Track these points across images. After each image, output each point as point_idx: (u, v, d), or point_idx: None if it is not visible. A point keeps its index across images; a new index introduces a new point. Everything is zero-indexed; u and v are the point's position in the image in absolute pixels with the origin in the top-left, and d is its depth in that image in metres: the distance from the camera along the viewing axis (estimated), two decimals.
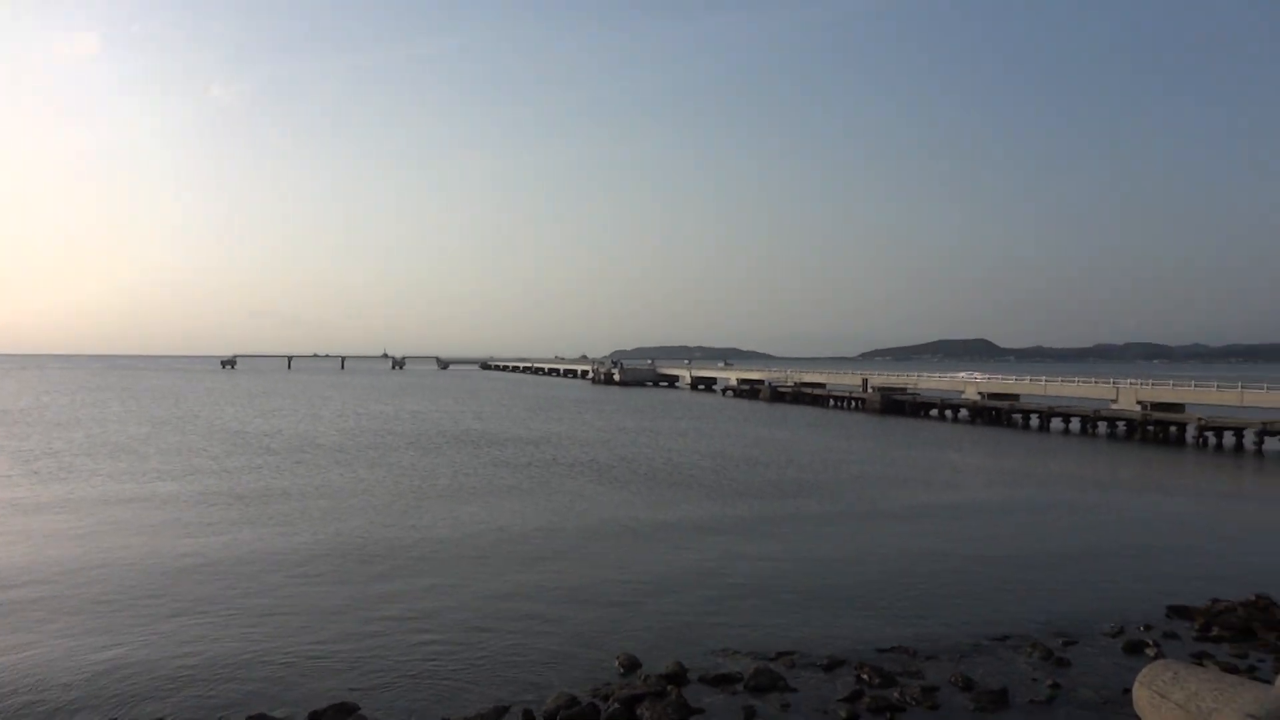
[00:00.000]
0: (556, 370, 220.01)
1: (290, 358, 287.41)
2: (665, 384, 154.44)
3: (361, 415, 74.90)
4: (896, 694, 13.44)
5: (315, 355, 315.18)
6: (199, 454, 44.96)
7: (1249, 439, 53.96)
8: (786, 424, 70.42)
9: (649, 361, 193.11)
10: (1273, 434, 52.55)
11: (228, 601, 18.34)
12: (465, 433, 58.92)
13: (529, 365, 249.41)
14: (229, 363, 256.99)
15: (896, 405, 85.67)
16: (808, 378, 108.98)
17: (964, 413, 77.65)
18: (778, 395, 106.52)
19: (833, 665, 14.70)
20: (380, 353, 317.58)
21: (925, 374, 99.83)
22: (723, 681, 13.96)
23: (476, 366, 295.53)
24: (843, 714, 12.76)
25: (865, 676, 14.11)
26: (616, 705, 12.91)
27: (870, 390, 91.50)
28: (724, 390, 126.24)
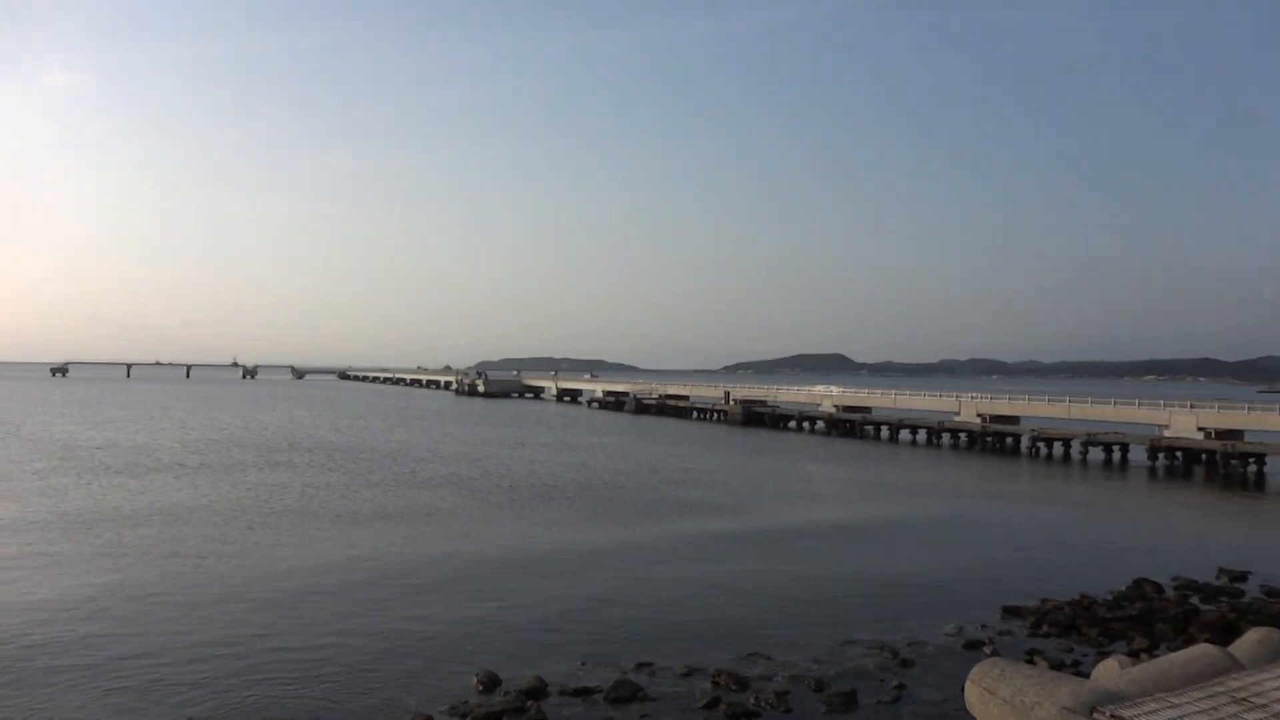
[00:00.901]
0: (419, 381, 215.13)
1: (130, 365, 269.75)
2: (531, 395, 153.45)
3: (207, 427, 71.05)
4: (752, 699, 13.74)
5: (158, 363, 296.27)
6: (20, 471, 41.55)
7: (1075, 449, 58.23)
8: (650, 436, 71.16)
9: (515, 373, 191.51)
10: (1095, 444, 56.85)
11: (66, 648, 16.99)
12: (320, 445, 56.77)
13: (390, 376, 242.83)
14: (60, 370, 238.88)
15: (757, 417, 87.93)
16: (672, 390, 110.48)
17: (820, 424, 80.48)
18: (642, 407, 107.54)
19: (691, 673, 14.90)
20: (230, 361, 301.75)
21: (784, 387, 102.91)
22: (582, 694, 13.92)
23: (334, 377, 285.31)
24: None
25: (722, 683, 14.35)
26: None
27: (732, 403, 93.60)
28: (589, 402, 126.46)
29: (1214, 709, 4.45)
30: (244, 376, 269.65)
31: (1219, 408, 56.62)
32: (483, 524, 29.22)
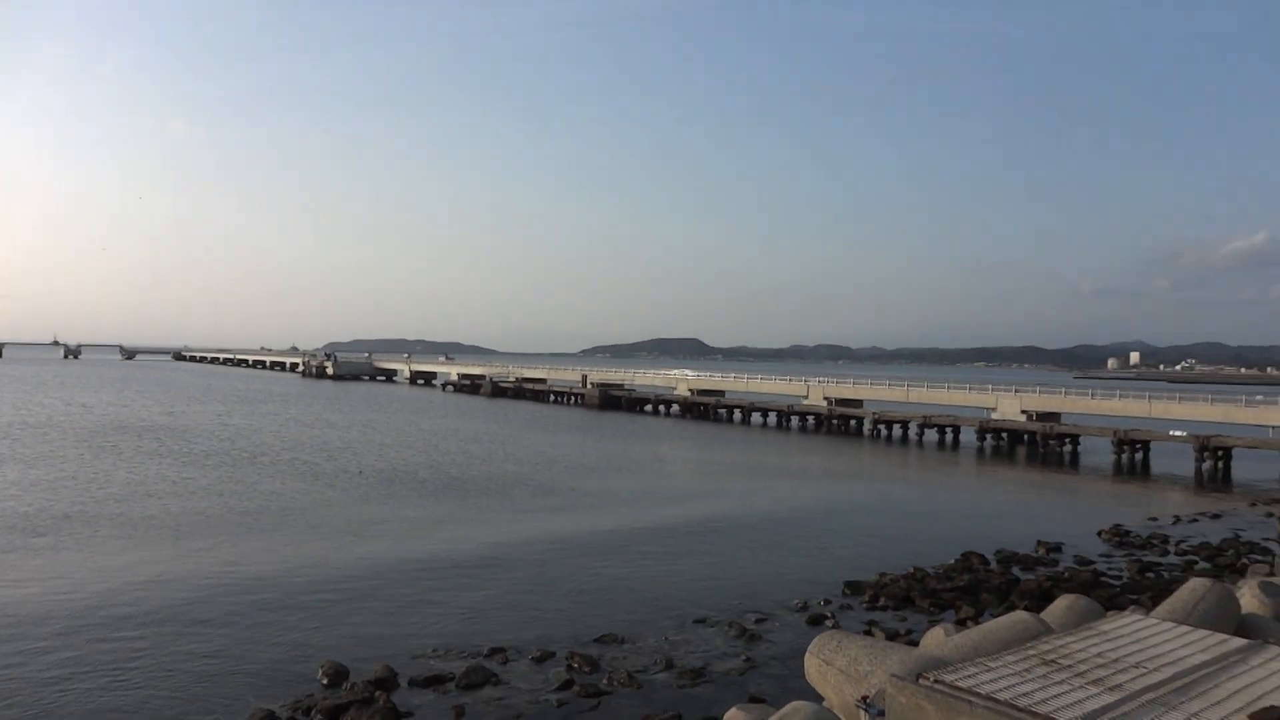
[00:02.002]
0: (263, 363, 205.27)
1: None
2: (383, 378, 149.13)
3: (21, 409, 65.48)
4: (605, 680, 13.89)
5: None
6: None
7: (913, 430, 61.64)
8: (506, 419, 70.55)
9: (366, 355, 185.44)
10: (931, 426, 60.32)
11: None
12: (150, 428, 53.35)
13: (230, 357, 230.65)
14: None
15: (614, 400, 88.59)
16: (529, 373, 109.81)
17: (675, 408, 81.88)
18: (499, 390, 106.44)
19: (544, 657, 14.91)
20: (50, 339, 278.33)
21: (641, 371, 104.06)
22: (434, 682, 13.71)
23: (169, 357, 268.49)
24: (554, 704, 12.99)
25: (576, 665, 14.44)
26: (319, 717, 12.28)
27: (590, 386, 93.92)
28: (445, 385, 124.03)
29: (1027, 670, 4.80)
30: (66, 356, 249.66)
31: (1040, 392, 61.12)
32: (328, 510, 28.24)
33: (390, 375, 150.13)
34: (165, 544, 22.97)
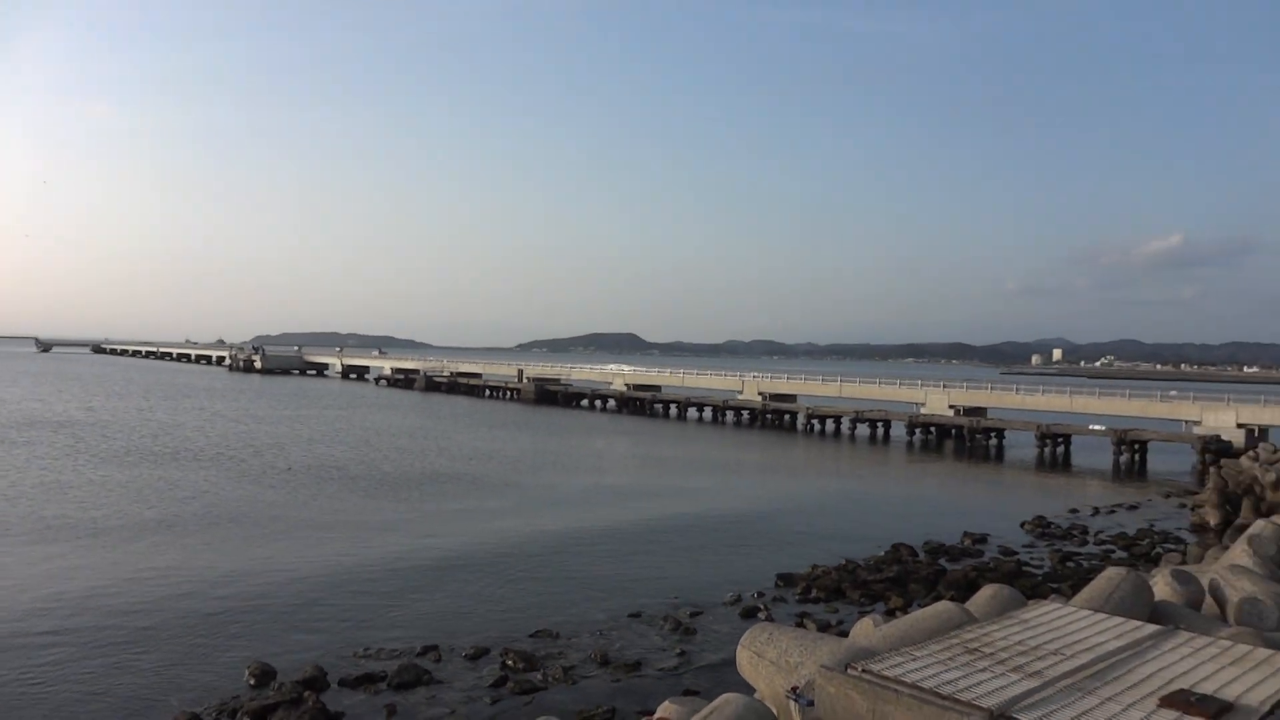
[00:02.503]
0: (187, 356, 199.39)
1: None
2: (313, 372, 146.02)
3: None
4: (540, 675, 13.84)
5: None
6: None
7: (845, 425, 62.66)
8: (441, 414, 69.76)
9: (296, 348, 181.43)
10: (863, 421, 61.40)
11: None
12: (66, 424, 51.41)
13: (154, 350, 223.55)
14: None
15: (550, 395, 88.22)
16: (464, 368, 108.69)
17: (612, 403, 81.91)
18: (433, 385, 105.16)
19: (478, 654, 14.79)
20: None
21: (578, 366, 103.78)
22: (365, 682, 13.49)
23: (88, 350, 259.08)
24: (488, 701, 12.90)
25: (510, 662, 14.36)
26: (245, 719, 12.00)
27: (525, 381, 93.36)
28: (377, 380, 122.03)
29: (951, 658, 4.92)
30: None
31: (967, 388, 62.69)
32: (255, 508, 27.58)
33: (321, 369, 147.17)
34: (82, 545, 22.19)
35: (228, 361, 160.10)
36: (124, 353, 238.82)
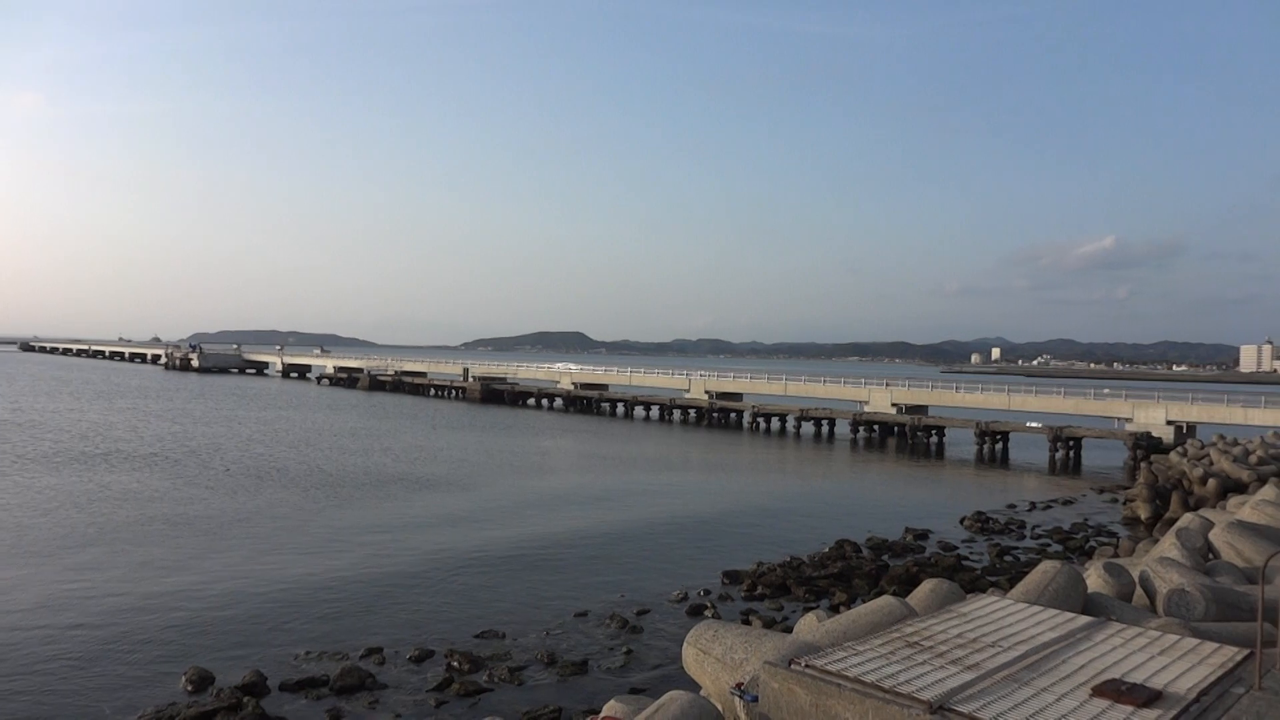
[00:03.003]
0: (121, 354, 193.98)
1: None
2: (253, 371, 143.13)
3: None
4: (485, 677, 13.74)
5: None
6: None
7: (790, 423, 63.30)
8: (384, 413, 68.86)
9: (235, 346, 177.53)
10: (807, 419, 62.08)
11: None
12: None
13: (86, 348, 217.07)
14: None
15: (496, 394, 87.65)
16: (409, 366, 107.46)
17: (559, 402, 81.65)
18: (377, 384, 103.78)
19: (423, 657, 14.62)
20: None
21: (524, 364, 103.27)
22: (306, 686, 13.25)
23: (15, 348, 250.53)
24: (432, 703, 12.76)
25: (455, 664, 14.22)
26: None
27: (471, 379, 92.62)
28: (320, 379, 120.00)
29: (891, 652, 5.00)
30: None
31: (909, 386, 63.78)
32: (192, 510, 26.92)
33: (261, 368, 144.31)
34: (8, 550, 21.44)
35: (163, 360, 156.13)
36: (55, 350, 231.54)
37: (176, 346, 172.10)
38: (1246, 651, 5.29)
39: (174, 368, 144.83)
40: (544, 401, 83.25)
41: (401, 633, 15.85)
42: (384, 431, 53.63)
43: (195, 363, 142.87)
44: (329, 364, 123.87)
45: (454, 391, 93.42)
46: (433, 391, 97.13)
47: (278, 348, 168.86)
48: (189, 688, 13.05)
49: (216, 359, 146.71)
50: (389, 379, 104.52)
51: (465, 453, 43.81)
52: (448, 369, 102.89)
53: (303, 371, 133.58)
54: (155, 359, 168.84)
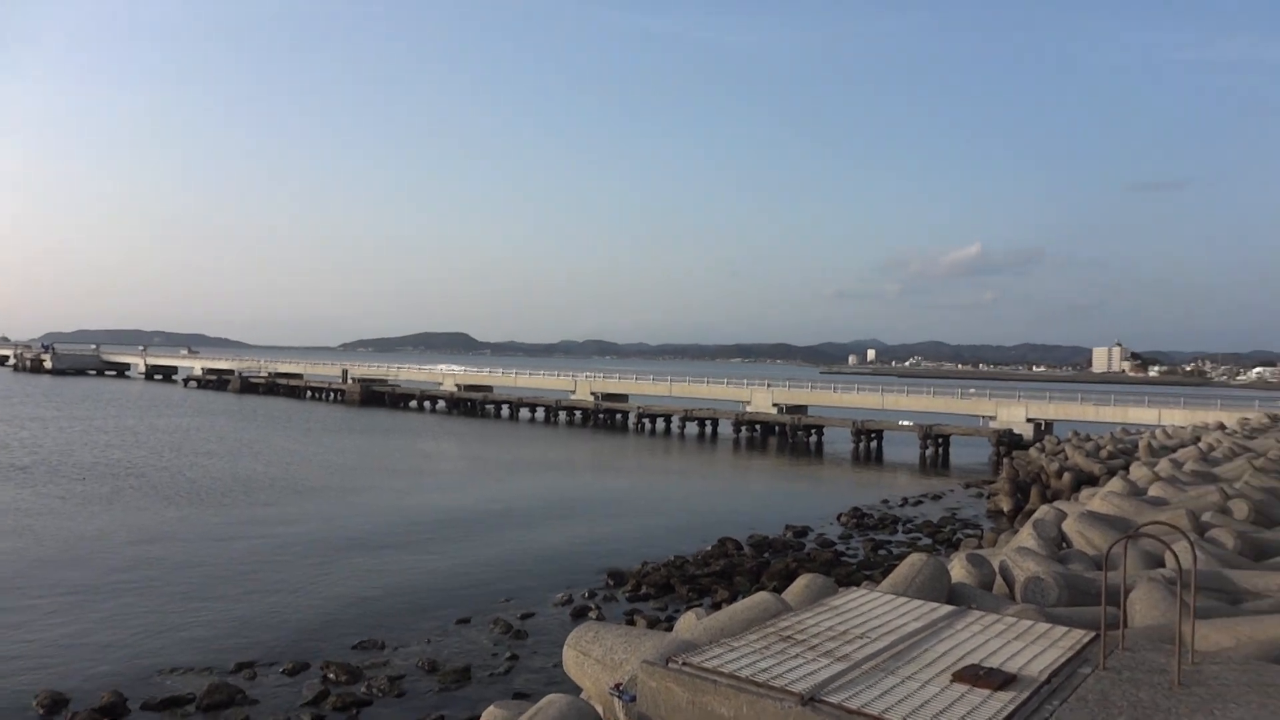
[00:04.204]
0: None
1: None
2: (113, 373, 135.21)
3: None
4: (364, 688, 13.37)
5: None
6: None
7: (675, 424, 64.02)
8: (257, 417, 66.19)
9: (93, 347, 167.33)
10: (692, 419, 62.93)
11: None
12: None
13: None
14: None
15: (377, 397, 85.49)
16: (284, 368, 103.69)
17: (442, 404, 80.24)
18: (250, 386, 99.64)
19: (298, 669, 14.13)
20: None
21: (406, 366, 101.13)
22: (171, 705, 12.61)
23: None
24: (307, 717, 12.34)
25: (332, 675, 13.80)
26: None
27: (350, 381, 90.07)
28: (187, 381, 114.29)
29: (766, 647, 5.12)
30: None
31: (789, 387, 65.50)
32: (41, 519, 25.20)
33: (122, 370, 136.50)
34: None
35: (12, 361, 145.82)
36: None
37: (27, 346, 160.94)
38: (1093, 634, 5.64)
39: (24, 369, 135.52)
40: (426, 404, 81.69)
41: (274, 645, 15.27)
42: (255, 436, 51.55)
43: (48, 364, 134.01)
44: (197, 365, 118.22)
45: (332, 394, 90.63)
46: (309, 394, 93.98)
47: (141, 348, 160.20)
48: (41, 710, 12.25)
49: (72, 360, 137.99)
50: (262, 381, 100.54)
51: (342, 457, 42.55)
52: (325, 370, 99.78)
53: (168, 374, 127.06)
54: (3, 360, 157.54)
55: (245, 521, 26.19)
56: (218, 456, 40.77)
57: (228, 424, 59.55)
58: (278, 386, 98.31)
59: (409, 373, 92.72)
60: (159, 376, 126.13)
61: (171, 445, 44.96)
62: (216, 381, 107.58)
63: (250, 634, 15.84)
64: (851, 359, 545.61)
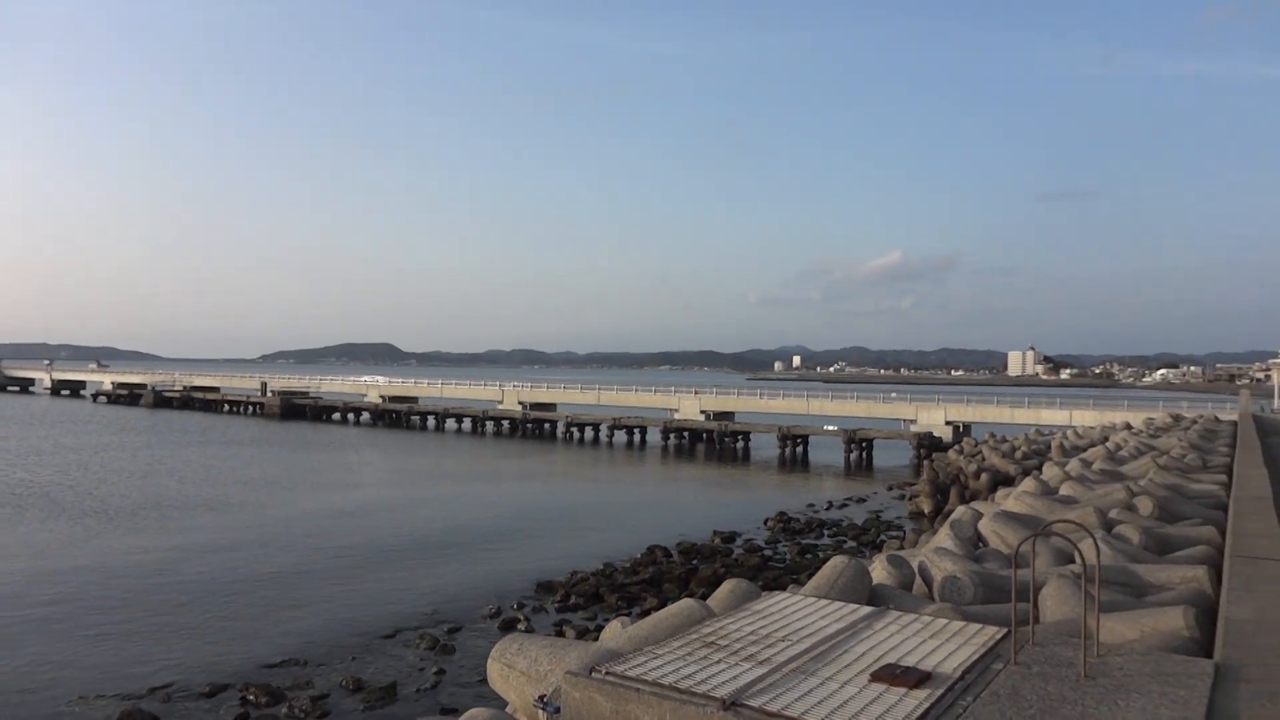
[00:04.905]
0: None
1: None
2: (16, 389, 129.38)
3: None
4: (285, 709, 13.02)
5: None
6: None
7: (604, 432, 63.96)
8: (172, 432, 64.02)
9: None
10: (620, 428, 62.96)
11: None
12: None
13: None
14: None
15: (298, 410, 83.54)
16: (199, 381, 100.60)
17: (366, 416, 78.77)
18: (163, 401, 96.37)
19: (216, 691, 13.69)
20: None
21: (329, 377, 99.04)
22: None
23: None
24: None
25: (252, 696, 13.40)
26: None
27: (270, 394, 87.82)
28: (96, 396, 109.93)
29: (689, 653, 5.15)
30: None
31: (716, 394, 66.04)
32: None
33: (26, 385, 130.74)
34: None
35: None
36: None
37: None
38: (1005, 630, 5.82)
39: None
40: (350, 416, 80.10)
41: (190, 667, 14.76)
42: (169, 452, 49.83)
43: None
44: (107, 379, 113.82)
45: (251, 407, 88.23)
46: (227, 408, 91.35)
47: (46, 362, 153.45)
48: None
49: None
50: (177, 395, 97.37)
51: (261, 472, 41.41)
52: (244, 383, 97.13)
53: (76, 388, 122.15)
54: None
55: (157, 541, 25.27)
56: (129, 474, 39.29)
57: (140, 440, 57.46)
58: (193, 401, 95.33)
59: (332, 384, 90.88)
60: (66, 392, 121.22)
61: (79, 463, 43.16)
62: (128, 396, 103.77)
63: (164, 656, 15.29)
64: (777, 365, 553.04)
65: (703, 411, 62.14)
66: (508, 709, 6.36)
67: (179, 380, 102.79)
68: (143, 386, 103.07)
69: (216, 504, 31.97)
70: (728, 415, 62.28)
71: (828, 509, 33.61)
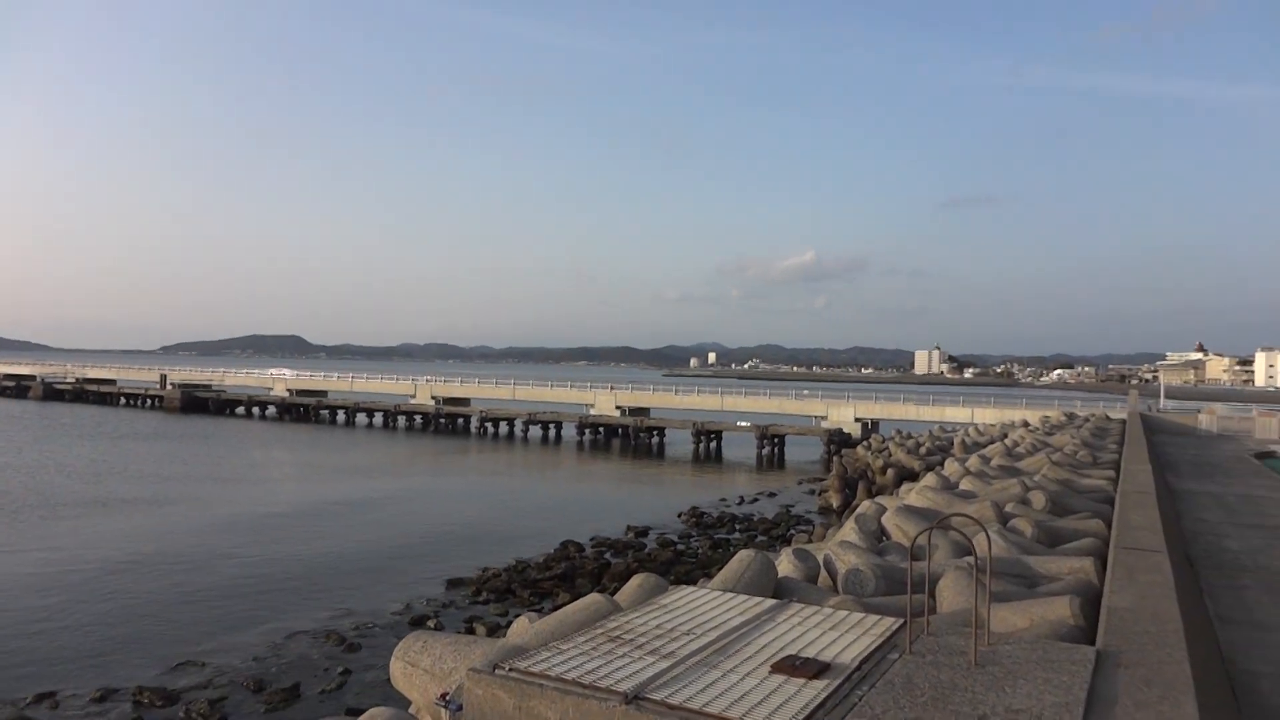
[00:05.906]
0: None
1: None
2: None
3: None
4: (181, 712, 12.58)
5: None
6: None
7: (519, 427, 63.50)
8: (63, 426, 61.09)
9: None
10: (535, 423, 62.60)
11: None
12: None
13: None
14: None
15: (199, 403, 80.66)
16: (94, 373, 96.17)
17: (272, 410, 76.53)
18: (54, 393, 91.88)
19: (105, 696, 13.14)
20: None
21: (232, 370, 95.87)
22: None
23: None
24: None
25: (145, 700, 12.92)
26: None
27: (170, 387, 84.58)
28: None
29: (594, 648, 5.16)
30: None
31: (632, 389, 66.23)
32: None
33: None
34: None
35: None
36: None
37: None
38: (902, 621, 5.99)
39: None
40: (255, 410, 77.68)
41: (80, 671, 14.13)
42: (58, 446, 47.55)
43: None
44: None
45: (149, 401, 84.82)
46: (123, 401, 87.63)
47: None
48: None
49: None
50: (69, 387, 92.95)
51: (157, 467, 39.86)
52: (141, 375, 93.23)
53: None
54: None
55: (43, 538, 24.10)
56: (12, 469, 37.36)
57: (26, 434, 54.68)
58: (87, 393, 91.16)
59: (235, 377, 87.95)
60: None
61: None
62: (15, 388, 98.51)
63: (51, 660, 14.60)
64: (693, 362, 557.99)
65: (618, 407, 62.26)
66: (411, 709, 6.27)
67: (71, 371, 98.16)
68: (31, 378, 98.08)
69: (107, 500, 30.64)
70: (643, 411, 62.54)
71: (740, 503, 34.06)
